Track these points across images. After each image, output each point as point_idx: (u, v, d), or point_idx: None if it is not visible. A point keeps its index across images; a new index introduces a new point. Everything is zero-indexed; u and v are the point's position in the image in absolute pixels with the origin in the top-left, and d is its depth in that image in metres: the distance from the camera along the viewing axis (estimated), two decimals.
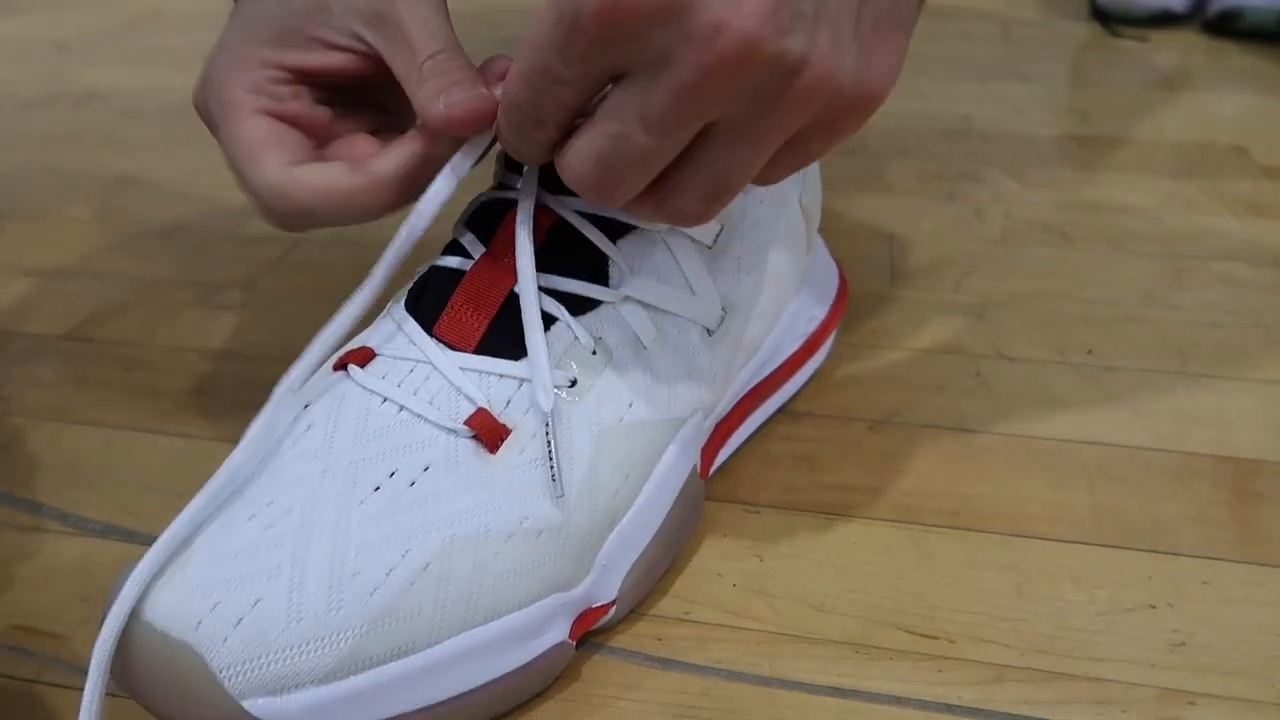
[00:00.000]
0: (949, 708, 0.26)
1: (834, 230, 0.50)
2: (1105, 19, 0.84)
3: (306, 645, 0.23)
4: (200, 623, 0.23)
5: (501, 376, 0.27)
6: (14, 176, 0.59)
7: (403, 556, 0.24)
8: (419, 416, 0.26)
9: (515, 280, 0.28)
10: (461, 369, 0.27)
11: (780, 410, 0.37)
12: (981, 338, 0.41)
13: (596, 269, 0.28)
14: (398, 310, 0.29)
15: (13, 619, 0.29)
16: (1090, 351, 0.40)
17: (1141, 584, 0.29)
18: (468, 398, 0.26)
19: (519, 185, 0.29)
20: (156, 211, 0.53)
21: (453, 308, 0.28)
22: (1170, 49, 0.79)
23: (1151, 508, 0.32)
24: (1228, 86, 0.71)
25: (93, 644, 0.23)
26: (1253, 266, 0.46)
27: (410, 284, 0.30)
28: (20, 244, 0.51)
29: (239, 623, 0.23)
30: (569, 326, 0.27)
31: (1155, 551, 0.30)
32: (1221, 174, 0.56)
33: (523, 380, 0.27)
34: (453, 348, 0.27)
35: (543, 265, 0.28)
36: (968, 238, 0.49)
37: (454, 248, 0.30)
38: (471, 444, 0.26)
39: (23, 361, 0.41)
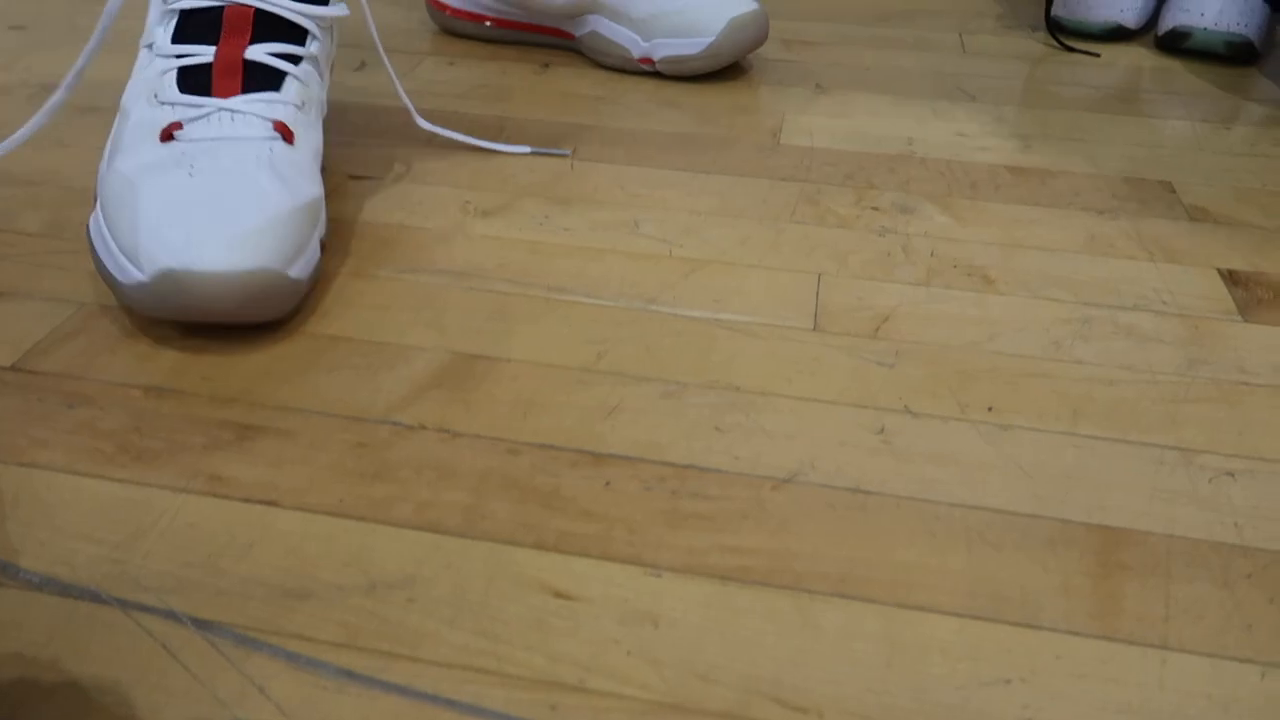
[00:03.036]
0: None
1: (768, 265, 0.51)
2: (1060, 31, 0.85)
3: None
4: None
5: (269, 103, 0.49)
6: None
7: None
8: (248, 139, 0.48)
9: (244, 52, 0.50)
10: (246, 105, 0.49)
11: (692, 466, 0.39)
12: (890, 390, 0.43)
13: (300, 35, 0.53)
14: (171, 93, 0.49)
15: None
16: (991, 409, 0.42)
17: (1001, 657, 0.32)
18: (262, 118, 0.48)
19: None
20: None
21: (217, 76, 0.49)
22: (1119, 66, 0.81)
23: (1023, 577, 0.35)
24: (1168, 112, 0.72)
25: (35, 704, 0.25)
26: (1158, 318, 0.48)
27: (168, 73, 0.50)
28: None
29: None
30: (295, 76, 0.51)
31: (1018, 624, 0.33)
32: (1145, 213, 0.58)
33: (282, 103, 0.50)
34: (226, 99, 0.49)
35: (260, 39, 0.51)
36: (893, 278, 0.51)
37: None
38: (280, 142, 0.48)
39: None
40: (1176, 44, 0.81)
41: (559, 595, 0.34)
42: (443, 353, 0.45)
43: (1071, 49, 0.83)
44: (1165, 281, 0.51)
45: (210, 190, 0.44)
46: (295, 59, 0.51)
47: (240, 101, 0.48)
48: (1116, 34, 0.84)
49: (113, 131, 0.49)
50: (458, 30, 0.77)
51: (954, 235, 0.55)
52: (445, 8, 0.76)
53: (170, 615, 0.32)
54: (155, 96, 0.48)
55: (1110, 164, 0.64)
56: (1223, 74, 0.79)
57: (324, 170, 0.61)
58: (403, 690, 0.30)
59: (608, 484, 0.38)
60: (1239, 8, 0.77)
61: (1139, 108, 0.73)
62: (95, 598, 0.33)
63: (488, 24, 0.67)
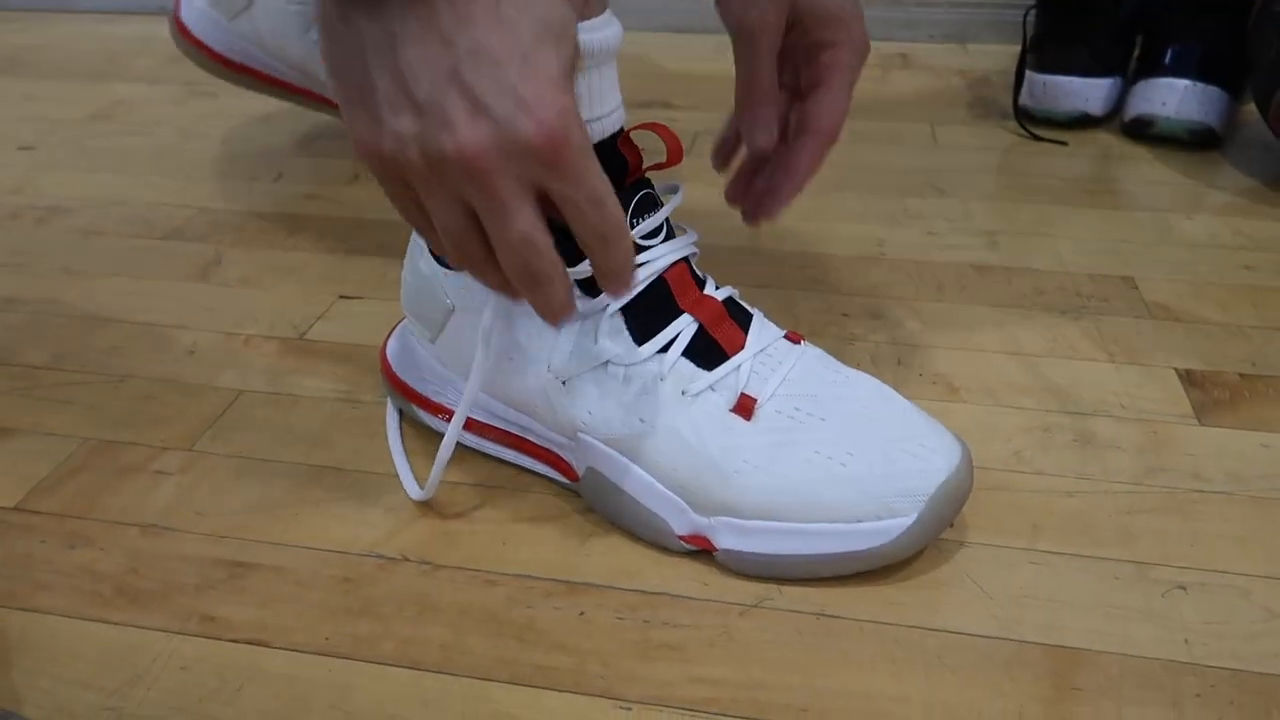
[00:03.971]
0: None
1: None
2: (1028, 120, 0.88)
3: None
4: None
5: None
6: None
7: None
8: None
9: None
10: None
11: (664, 593, 0.41)
12: None
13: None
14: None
15: None
16: (952, 525, 0.44)
17: None
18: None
19: None
20: (109, 358, 0.57)
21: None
22: (1086, 155, 0.84)
23: (979, 703, 0.36)
24: (1133, 203, 0.75)
25: None
26: (1116, 423, 0.50)
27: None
28: None
29: None
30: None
31: None
32: (1108, 311, 0.60)
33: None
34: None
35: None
36: None
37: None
38: None
39: None
40: (1141, 130, 0.84)
41: None
42: (421, 483, 0.47)
43: (1039, 138, 0.86)
44: (1125, 384, 0.53)
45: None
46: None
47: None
48: (1083, 121, 0.87)
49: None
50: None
51: (921, 342, 0.58)
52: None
53: None
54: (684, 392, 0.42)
55: (1075, 259, 0.66)
56: (1186, 159, 0.82)
57: (312, 287, 0.63)
58: None
59: (582, 614, 0.40)
60: (1199, 97, 0.81)
61: (1104, 199, 0.76)
62: None
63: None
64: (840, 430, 0.41)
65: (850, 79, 0.46)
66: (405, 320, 0.51)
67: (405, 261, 0.49)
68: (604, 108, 0.39)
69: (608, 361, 0.42)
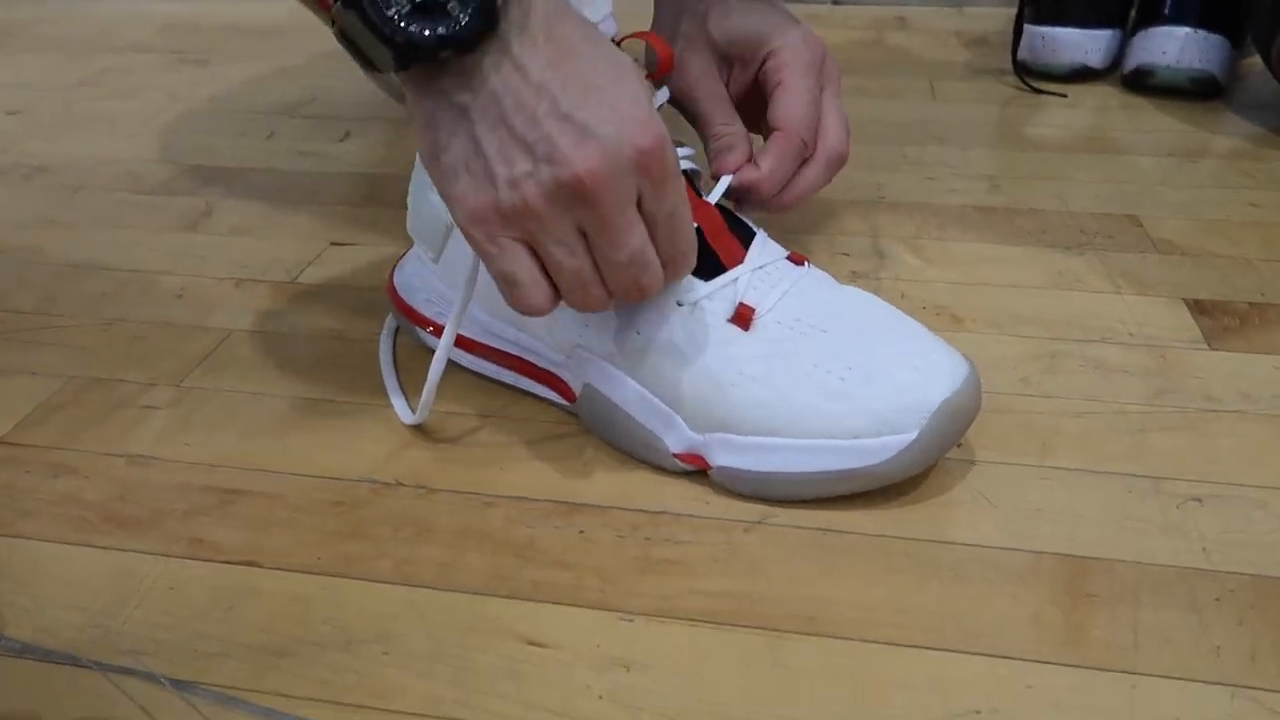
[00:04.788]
0: None
1: None
2: (1026, 74, 0.87)
3: None
4: None
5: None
6: None
7: None
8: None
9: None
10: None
11: (665, 511, 0.40)
12: None
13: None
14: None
15: None
16: (959, 445, 0.43)
17: (971, 690, 0.32)
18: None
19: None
20: (97, 302, 0.56)
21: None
22: (1086, 106, 0.83)
23: (993, 610, 0.35)
24: (1135, 149, 0.74)
25: None
26: (1125, 350, 0.49)
27: None
28: None
29: None
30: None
31: (989, 655, 0.33)
32: (1113, 247, 0.59)
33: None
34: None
35: None
36: None
37: None
38: None
39: None
40: (1142, 81, 0.83)
41: (532, 644, 0.34)
42: (422, 416, 0.46)
43: (1039, 90, 0.85)
44: (1132, 313, 0.52)
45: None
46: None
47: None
48: (1082, 74, 0.86)
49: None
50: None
51: (923, 277, 0.57)
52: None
53: (149, 677, 0.33)
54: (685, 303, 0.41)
55: (1078, 201, 0.65)
56: (1188, 109, 0.81)
57: (308, 237, 0.62)
58: None
59: (581, 532, 0.39)
60: (1200, 45, 0.80)
61: (1106, 145, 0.75)
62: (75, 662, 0.34)
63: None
64: (840, 343, 0.39)
65: (805, 77, 0.46)
66: (411, 250, 0.50)
67: (410, 188, 0.48)
68: (594, 15, 0.39)
69: None
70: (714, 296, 0.41)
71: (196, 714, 0.32)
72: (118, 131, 0.81)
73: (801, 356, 0.39)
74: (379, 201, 0.68)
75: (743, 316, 0.40)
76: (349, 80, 0.90)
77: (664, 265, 0.37)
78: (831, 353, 0.39)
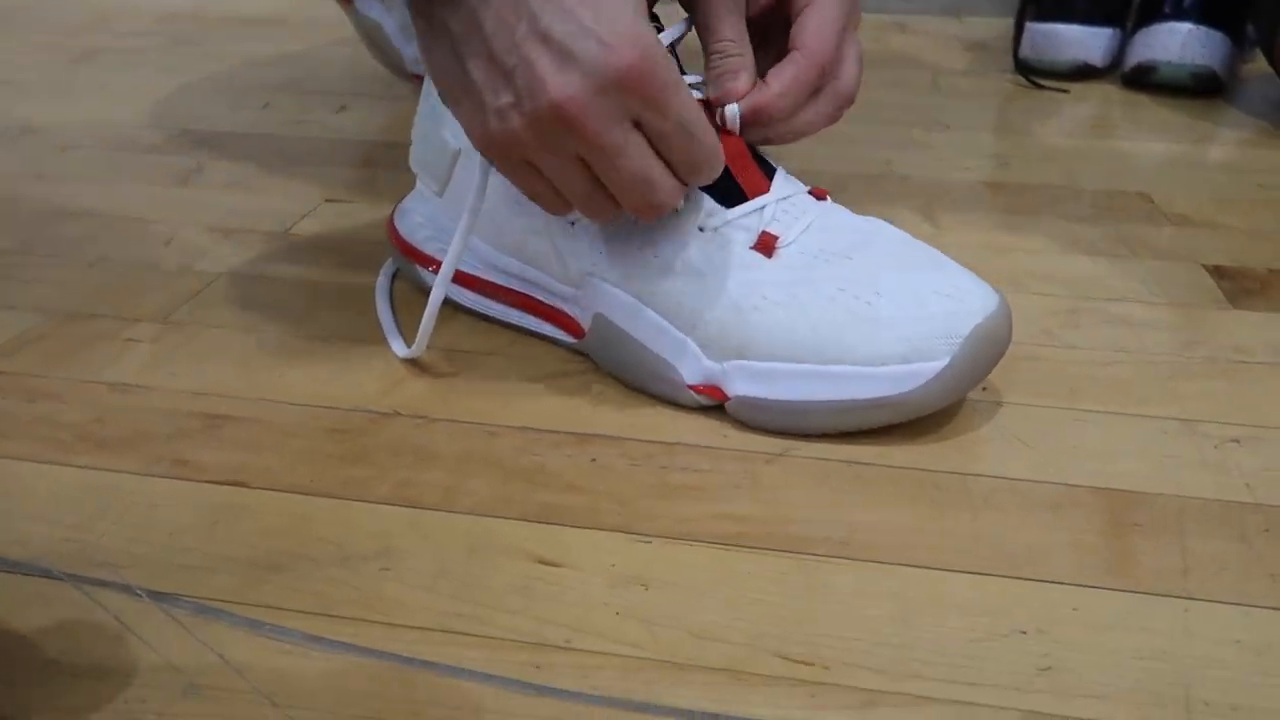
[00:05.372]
0: None
1: None
2: (1028, 71, 0.86)
3: None
4: None
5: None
6: None
7: None
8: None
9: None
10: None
11: (680, 443, 0.38)
12: None
13: None
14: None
15: None
16: (984, 388, 0.41)
17: (1015, 611, 0.30)
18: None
19: None
20: (81, 244, 0.53)
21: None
22: (1089, 101, 0.82)
23: (1032, 538, 0.33)
24: (1141, 137, 0.73)
25: None
26: (1148, 307, 0.48)
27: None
28: None
29: None
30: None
31: (1031, 580, 0.31)
32: (1127, 219, 0.58)
33: None
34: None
35: None
36: None
37: None
38: None
39: None
40: (1143, 78, 0.83)
41: (544, 562, 0.32)
42: (419, 348, 0.44)
43: (1041, 86, 0.84)
44: (1152, 275, 0.51)
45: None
46: None
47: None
48: (1084, 72, 0.86)
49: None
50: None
51: (938, 242, 0.54)
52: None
53: (125, 589, 0.30)
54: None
55: (1088, 180, 0.64)
56: (1191, 106, 0.80)
57: (301, 195, 0.60)
58: (376, 654, 0.28)
59: (593, 460, 0.37)
60: (1201, 41, 0.79)
61: (1112, 133, 0.74)
62: (47, 574, 0.31)
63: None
64: (868, 269, 0.38)
65: (838, 5, 0.40)
66: (413, 191, 0.48)
67: (415, 119, 0.46)
68: None
69: None
70: (736, 223, 0.39)
71: (176, 624, 0.29)
72: (110, 99, 0.79)
73: (827, 281, 0.37)
74: (376, 164, 0.66)
75: (765, 244, 0.38)
76: (347, 63, 0.89)
77: (683, 176, 0.35)
78: (859, 278, 0.37)
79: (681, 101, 0.33)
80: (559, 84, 0.31)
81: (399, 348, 0.43)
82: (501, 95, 0.32)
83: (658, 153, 0.34)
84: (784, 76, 0.40)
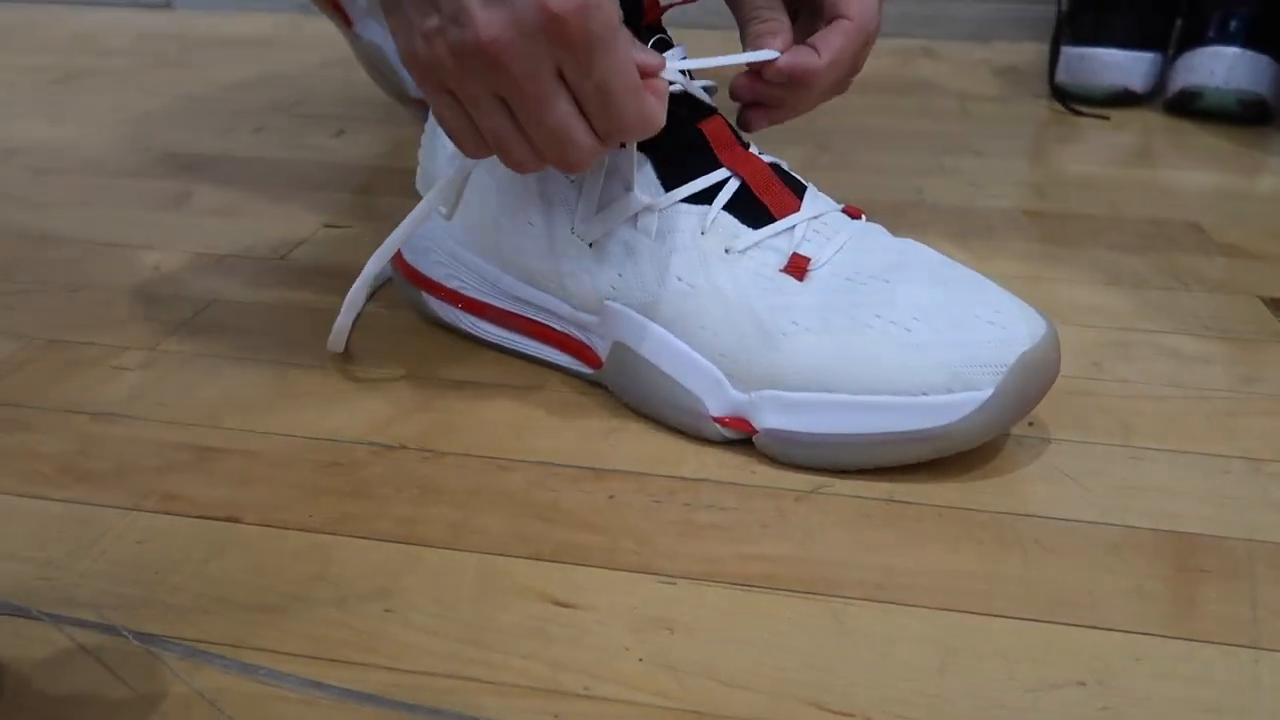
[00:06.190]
0: None
1: None
2: (1065, 98, 0.87)
3: None
4: None
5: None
6: None
7: None
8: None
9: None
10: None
11: (705, 479, 0.37)
12: None
13: None
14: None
15: None
16: (1031, 424, 0.41)
17: (1071, 660, 0.29)
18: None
19: None
20: (64, 269, 0.54)
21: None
22: (1130, 129, 0.83)
23: (1087, 582, 0.33)
24: (1187, 165, 0.74)
25: None
26: (1200, 340, 0.48)
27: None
28: None
29: None
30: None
31: (1088, 627, 0.31)
32: (1175, 249, 0.58)
33: None
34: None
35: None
36: None
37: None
38: None
39: None
40: (1187, 105, 0.84)
41: (558, 604, 0.31)
42: (422, 380, 0.44)
43: (1080, 112, 0.85)
44: (1204, 308, 0.51)
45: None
46: None
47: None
48: (1123, 99, 0.87)
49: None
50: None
51: (977, 271, 0.55)
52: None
53: (110, 630, 0.30)
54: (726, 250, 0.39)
55: (1133, 209, 0.65)
56: (1239, 133, 0.81)
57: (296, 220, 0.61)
58: (378, 700, 0.28)
59: (611, 497, 0.36)
60: (1249, 65, 0.80)
61: (1157, 161, 0.75)
62: (24, 613, 0.30)
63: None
64: (906, 293, 0.38)
65: None
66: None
67: (422, 139, 0.47)
68: None
69: (638, 215, 0.39)
70: (765, 245, 0.39)
71: (164, 668, 0.29)
72: (93, 121, 0.80)
73: (863, 307, 0.37)
74: (377, 189, 0.66)
75: (797, 266, 0.38)
76: (342, 84, 0.90)
77: (601, 138, 0.35)
78: (896, 302, 0.37)
79: (611, 63, 0.32)
80: (485, 20, 0.31)
81: (335, 339, 0.44)
82: (429, 18, 0.32)
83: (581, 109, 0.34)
84: (833, 45, 0.40)
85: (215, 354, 0.46)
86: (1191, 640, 0.30)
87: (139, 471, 0.37)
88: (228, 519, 0.35)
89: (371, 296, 0.51)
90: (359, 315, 0.47)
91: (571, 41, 0.31)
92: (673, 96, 0.39)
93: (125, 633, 0.30)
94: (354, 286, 0.43)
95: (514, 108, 0.33)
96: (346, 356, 0.45)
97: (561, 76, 0.33)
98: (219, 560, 0.33)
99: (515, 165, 0.36)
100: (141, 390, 0.43)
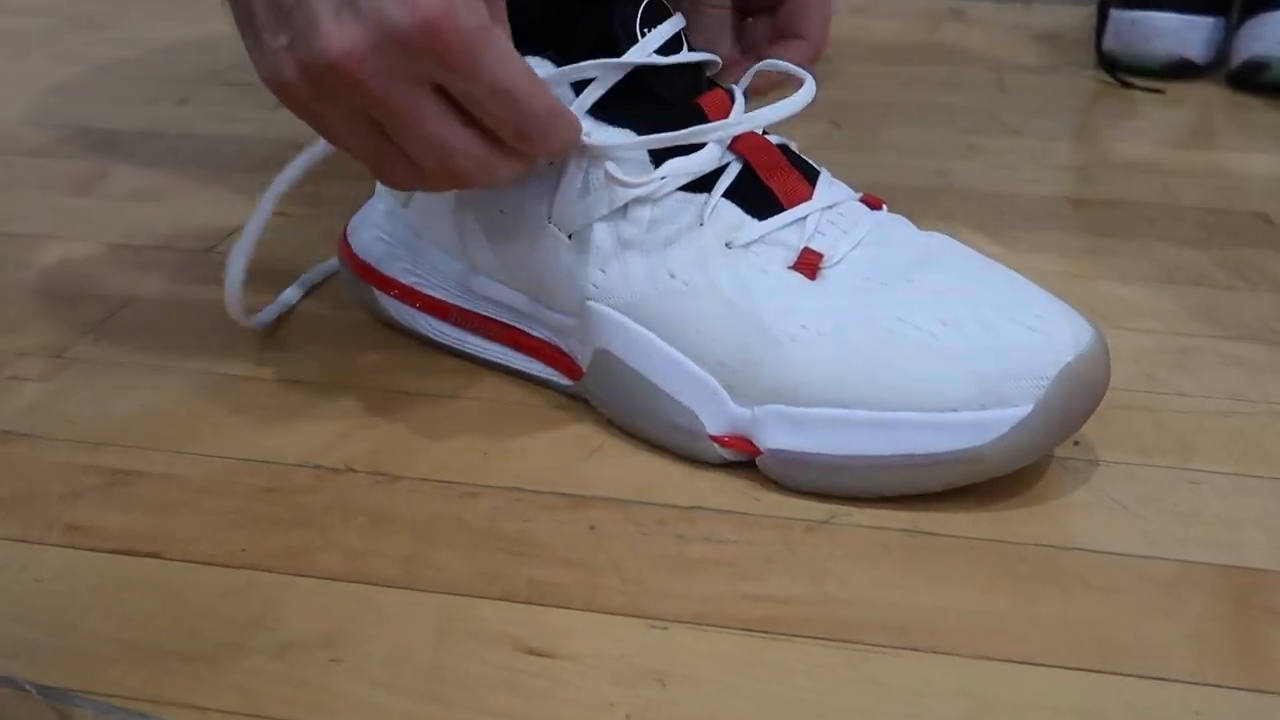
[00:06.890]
0: None
1: None
2: (1114, 68, 0.88)
3: None
4: None
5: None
6: None
7: None
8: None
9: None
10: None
11: (701, 507, 0.38)
12: None
13: None
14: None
15: None
16: (1076, 443, 0.41)
17: (1121, 714, 0.30)
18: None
19: None
20: None
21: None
22: (1188, 103, 0.84)
23: (1139, 624, 0.33)
24: (1252, 147, 0.75)
25: None
26: (1270, 348, 0.48)
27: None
28: None
29: None
30: None
31: (1140, 676, 0.31)
32: (1239, 243, 0.59)
33: None
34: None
35: None
36: None
37: None
38: None
39: None
40: (1253, 78, 0.85)
41: (533, 652, 0.31)
42: (373, 391, 0.44)
43: (1131, 85, 0.86)
44: (1273, 309, 0.52)
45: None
46: None
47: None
48: (1180, 70, 0.88)
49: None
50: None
51: (1012, 266, 0.56)
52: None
53: (7, 681, 0.30)
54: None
55: (1191, 196, 0.65)
56: None
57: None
58: None
59: (592, 528, 0.36)
60: None
61: (1218, 142, 0.76)
62: None
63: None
64: (932, 294, 0.38)
65: None
66: (369, 201, 0.49)
67: None
68: None
69: (627, 205, 0.39)
70: (771, 238, 0.39)
71: None
72: None
73: (883, 308, 0.38)
74: (323, 171, 0.66)
75: (808, 263, 0.39)
76: None
77: (512, 145, 0.36)
78: (921, 304, 0.38)
79: (495, 62, 0.33)
80: (335, 34, 0.32)
81: (233, 307, 0.45)
82: (279, 36, 0.33)
83: (475, 118, 0.35)
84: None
85: (131, 362, 0.46)
86: (1257, 691, 0.31)
87: (40, 498, 0.37)
88: (146, 554, 0.35)
89: (310, 293, 0.51)
90: (291, 310, 0.49)
91: (448, 46, 0.32)
92: (668, 68, 0.39)
93: (26, 685, 0.30)
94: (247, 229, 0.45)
95: (383, 123, 0.35)
96: (285, 365, 0.45)
97: (442, 91, 0.34)
98: (135, 601, 0.33)
99: (396, 185, 0.37)
100: (43, 404, 0.43)
